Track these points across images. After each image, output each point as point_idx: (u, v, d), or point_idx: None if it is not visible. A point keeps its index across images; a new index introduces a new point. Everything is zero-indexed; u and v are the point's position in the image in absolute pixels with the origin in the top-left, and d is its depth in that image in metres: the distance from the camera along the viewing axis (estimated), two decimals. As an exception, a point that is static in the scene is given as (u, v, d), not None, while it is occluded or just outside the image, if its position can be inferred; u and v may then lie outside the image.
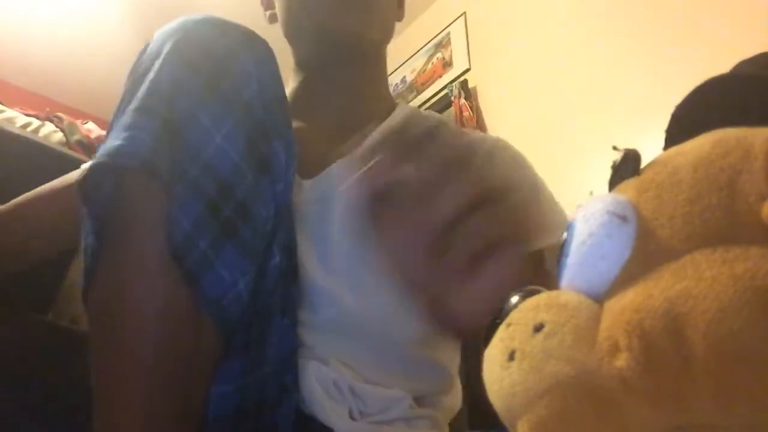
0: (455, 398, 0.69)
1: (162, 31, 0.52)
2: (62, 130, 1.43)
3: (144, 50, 0.52)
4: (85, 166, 0.48)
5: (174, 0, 2.68)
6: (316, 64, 0.74)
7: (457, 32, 2.56)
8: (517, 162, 0.75)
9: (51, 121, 1.44)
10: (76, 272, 1.20)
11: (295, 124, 0.71)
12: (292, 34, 0.74)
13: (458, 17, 2.58)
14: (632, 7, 1.88)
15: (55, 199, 0.68)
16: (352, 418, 0.56)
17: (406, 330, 0.62)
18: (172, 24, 0.52)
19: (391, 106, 0.76)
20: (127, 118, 0.46)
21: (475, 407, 1.34)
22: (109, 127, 0.49)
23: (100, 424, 0.44)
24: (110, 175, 0.45)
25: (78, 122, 1.49)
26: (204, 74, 0.48)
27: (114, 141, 0.45)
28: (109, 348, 0.45)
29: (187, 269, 0.44)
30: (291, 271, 0.56)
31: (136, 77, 0.50)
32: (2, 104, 1.43)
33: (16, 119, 1.33)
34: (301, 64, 0.76)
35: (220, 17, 0.53)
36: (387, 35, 0.76)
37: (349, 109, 0.73)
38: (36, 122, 1.36)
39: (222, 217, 0.46)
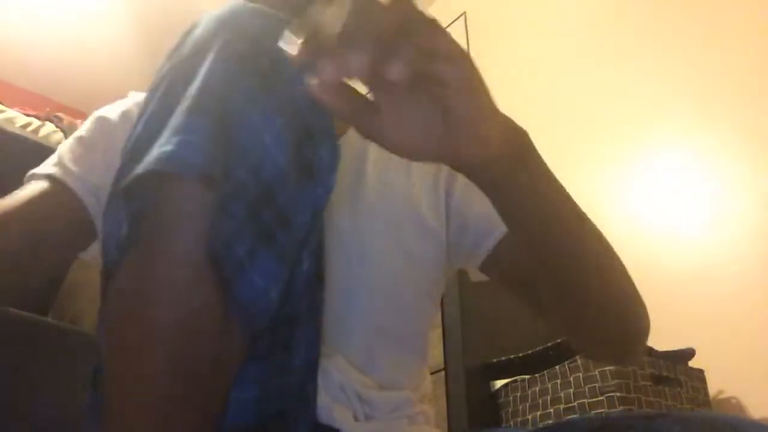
0: (428, 383, 0.71)
1: (211, 18, 0.49)
2: (62, 130, 1.43)
3: (188, 32, 0.49)
4: (139, 170, 0.42)
5: (175, 0, 2.68)
6: None
7: (457, 32, 2.56)
8: None
9: (51, 121, 1.45)
10: (77, 272, 1.20)
11: None
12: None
13: (458, 17, 2.58)
14: (633, 7, 1.88)
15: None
16: (356, 419, 0.56)
17: (413, 312, 0.64)
18: (223, 12, 0.49)
19: None
20: (177, 119, 0.43)
21: (475, 407, 1.34)
22: (145, 122, 0.45)
23: (113, 429, 0.41)
24: (158, 181, 0.42)
25: (78, 122, 1.49)
26: (257, 72, 0.46)
27: (165, 146, 0.41)
28: (129, 350, 0.42)
29: (222, 274, 0.42)
30: (319, 275, 0.53)
31: (178, 64, 0.47)
32: (2, 104, 1.44)
33: (16, 119, 1.33)
34: None
35: (267, 8, 0.50)
36: None
37: None
38: (36, 122, 1.36)
39: (261, 223, 0.43)
